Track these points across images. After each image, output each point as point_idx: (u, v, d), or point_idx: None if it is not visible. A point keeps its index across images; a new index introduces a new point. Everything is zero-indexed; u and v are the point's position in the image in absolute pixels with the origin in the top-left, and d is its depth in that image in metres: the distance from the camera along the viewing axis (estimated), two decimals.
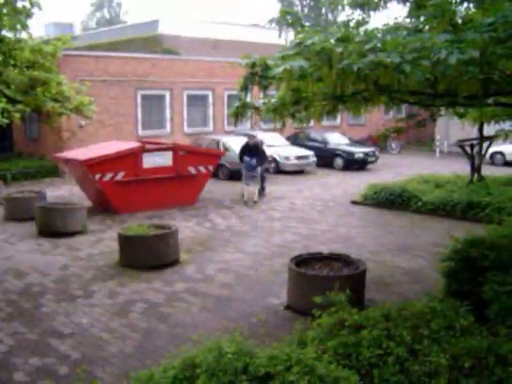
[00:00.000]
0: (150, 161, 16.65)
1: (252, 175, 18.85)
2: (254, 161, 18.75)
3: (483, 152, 18.11)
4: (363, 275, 9.07)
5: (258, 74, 7.45)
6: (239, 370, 5.05)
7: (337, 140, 28.35)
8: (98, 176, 15.89)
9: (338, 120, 34.62)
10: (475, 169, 17.86)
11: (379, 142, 33.06)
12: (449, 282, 8.08)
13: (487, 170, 20.04)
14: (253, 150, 18.93)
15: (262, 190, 19.57)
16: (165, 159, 17.03)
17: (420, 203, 16.49)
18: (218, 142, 23.70)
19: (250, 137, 19.74)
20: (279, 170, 24.74)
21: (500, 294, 6.73)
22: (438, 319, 5.92)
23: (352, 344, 5.58)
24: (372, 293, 9.47)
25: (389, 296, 9.46)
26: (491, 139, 18.01)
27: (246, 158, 18.82)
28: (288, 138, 27.43)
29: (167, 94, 27.86)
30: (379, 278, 10.34)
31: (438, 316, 6.00)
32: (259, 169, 19.00)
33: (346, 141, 28.87)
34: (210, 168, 18.16)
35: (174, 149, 17.37)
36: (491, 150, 24.48)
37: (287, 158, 24.92)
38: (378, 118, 34.88)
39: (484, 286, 7.07)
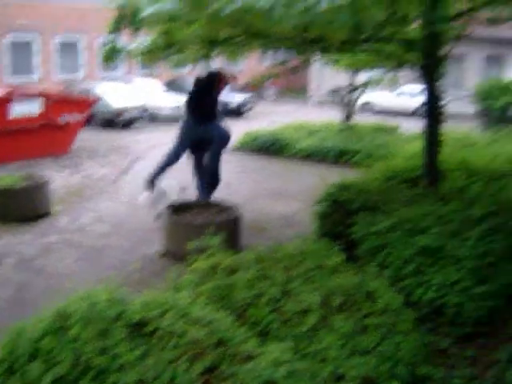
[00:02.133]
0: (17, 110, 15.88)
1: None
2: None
3: (354, 100, 18.65)
4: (238, 221, 9.20)
5: (128, 17, 7.20)
6: (113, 318, 5.01)
7: None
8: None
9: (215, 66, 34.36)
10: (346, 116, 18.40)
11: (255, 89, 33.30)
12: (321, 224, 8.37)
13: (358, 118, 20.67)
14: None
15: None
16: (34, 108, 16.30)
17: (294, 150, 16.86)
18: (90, 90, 22.97)
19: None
20: (154, 118, 24.39)
21: (368, 235, 7.05)
22: (310, 259, 6.13)
23: (226, 286, 5.68)
24: (248, 238, 9.62)
25: (265, 241, 9.61)
26: (363, 87, 18.59)
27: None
28: (165, 84, 27.03)
29: (36, 39, 26.55)
30: (255, 223, 10.52)
31: (309, 256, 6.20)
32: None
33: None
34: (83, 116, 17.60)
35: (44, 96, 16.65)
36: (363, 100, 25.28)
37: (161, 109, 24.59)
38: (254, 65, 34.99)
39: (354, 227, 7.37)
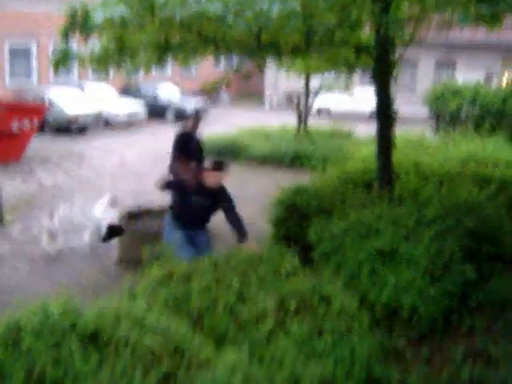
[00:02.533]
0: None
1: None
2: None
3: (309, 104, 18.78)
4: None
5: (79, 22, 7.11)
6: (67, 330, 4.94)
7: (169, 93, 28.12)
8: None
9: (170, 71, 34.22)
10: (301, 121, 18.51)
11: (209, 93, 33.29)
12: (277, 228, 8.41)
13: (313, 123, 20.81)
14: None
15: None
16: None
17: (250, 155, 16.91)
18: (43, 97, 22.62)
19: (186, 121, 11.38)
20: (108, 124, 24.18)
21: (323, 238, 7.09)
22: (265, 264, 6.13)
23: (182, 294, 5.65)
24: None
25: (220, 246, 9.64)
26: (316, 92, 18.76)
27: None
28: (122, 90, 26.85)
29: None
30: (210, 229, 10.47)
31: (264, 261, 6.21)
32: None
33: (178, 94, 28.73)
34: (35, 123, 17.32)
35: None
36: (318, 105, 25.46)
37: (116, 114, 24.40)
38: (208, 70, 34.95)
39: (309, 231, 7.42)
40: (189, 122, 10.66)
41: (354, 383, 4.91)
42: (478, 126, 17.19)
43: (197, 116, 10.50)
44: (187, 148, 10.13)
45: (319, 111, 28.66)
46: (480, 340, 5.92)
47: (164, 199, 12.04)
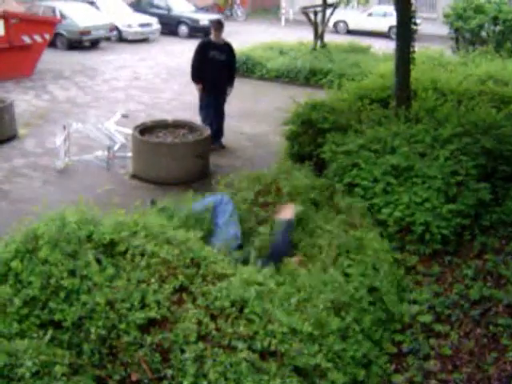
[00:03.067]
0: None
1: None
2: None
3: (326, 19, 18.33)
4: (207, 141, 9.15)
5: None
6: (83, 239, 4.98)
7: (181, 7, 27.55)
8: None
9: None
10: (318, 36, 18.10)
11: (223, 8, 32.62)
12: (291, 144, 8.35)
13: (330, 38, 20.37)
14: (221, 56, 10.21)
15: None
16: None
17: (265, 70, 16.66)
18: (54, 9, 22.19)
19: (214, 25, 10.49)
20: (122, 39, 23.80)
21: (337, 154, 7.06)
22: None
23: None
24: (218, 159, 9.62)
25: (234, 161, 9.67)
26: (334, 6, 18.27)
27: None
28: (131, 5, 26.30)
29: None
30: (225, 143, 10.48)
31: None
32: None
33: (191, 7, 28.14)
34: (46, 37, 17.05)
35: (5, 17, 16.03)
36: (335, 19, 24.84)
37: (129, 26, 23.96)
38: None
39: (323, 147, 7.37)
40: (211, 30, 10.54)
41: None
42: (498, 46, 16.77)
43: (218, 24, 10.24)
44: (207, 55, 10.02)
45: (335, 25, 27.97)
46: (491, 259, 5.96)
47: (176, 114, 12.06)
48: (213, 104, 10.20)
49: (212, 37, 10.27)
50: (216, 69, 9.96)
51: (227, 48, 10.21)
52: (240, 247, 5.43)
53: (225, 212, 5.74)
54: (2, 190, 8.52)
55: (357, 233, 5.63)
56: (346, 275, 5.16)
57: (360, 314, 4.91)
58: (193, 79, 10.36)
